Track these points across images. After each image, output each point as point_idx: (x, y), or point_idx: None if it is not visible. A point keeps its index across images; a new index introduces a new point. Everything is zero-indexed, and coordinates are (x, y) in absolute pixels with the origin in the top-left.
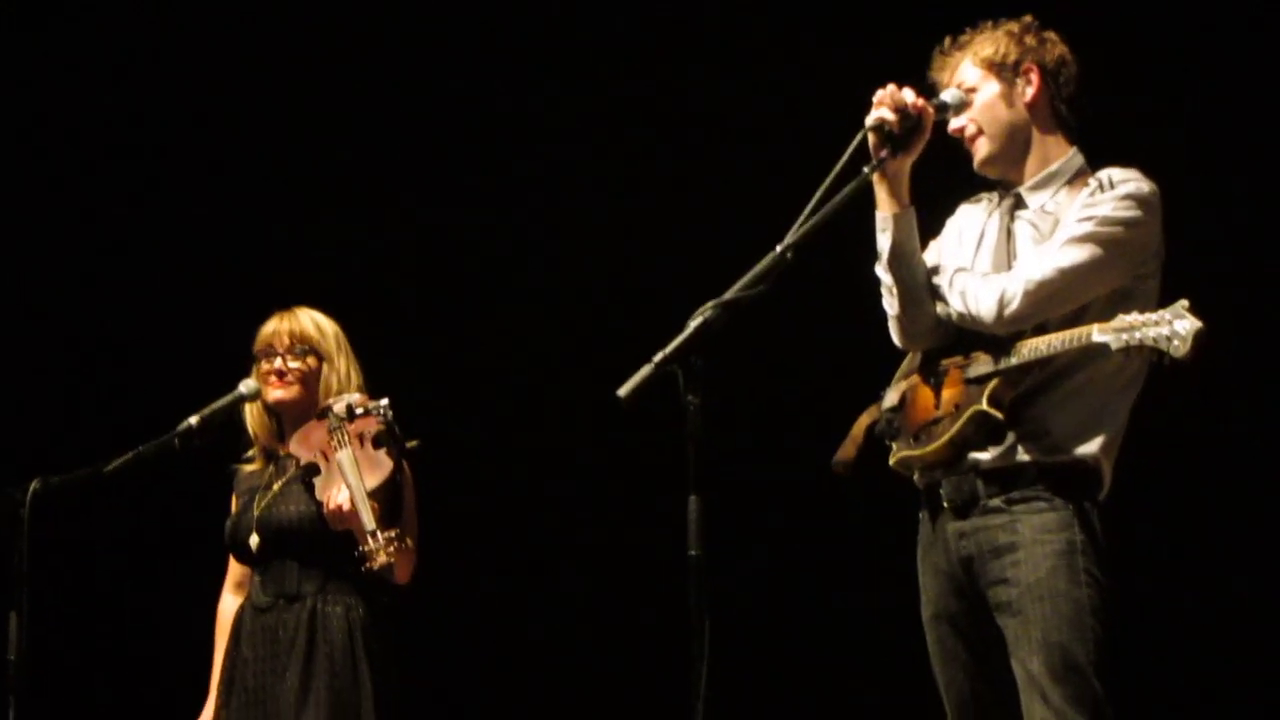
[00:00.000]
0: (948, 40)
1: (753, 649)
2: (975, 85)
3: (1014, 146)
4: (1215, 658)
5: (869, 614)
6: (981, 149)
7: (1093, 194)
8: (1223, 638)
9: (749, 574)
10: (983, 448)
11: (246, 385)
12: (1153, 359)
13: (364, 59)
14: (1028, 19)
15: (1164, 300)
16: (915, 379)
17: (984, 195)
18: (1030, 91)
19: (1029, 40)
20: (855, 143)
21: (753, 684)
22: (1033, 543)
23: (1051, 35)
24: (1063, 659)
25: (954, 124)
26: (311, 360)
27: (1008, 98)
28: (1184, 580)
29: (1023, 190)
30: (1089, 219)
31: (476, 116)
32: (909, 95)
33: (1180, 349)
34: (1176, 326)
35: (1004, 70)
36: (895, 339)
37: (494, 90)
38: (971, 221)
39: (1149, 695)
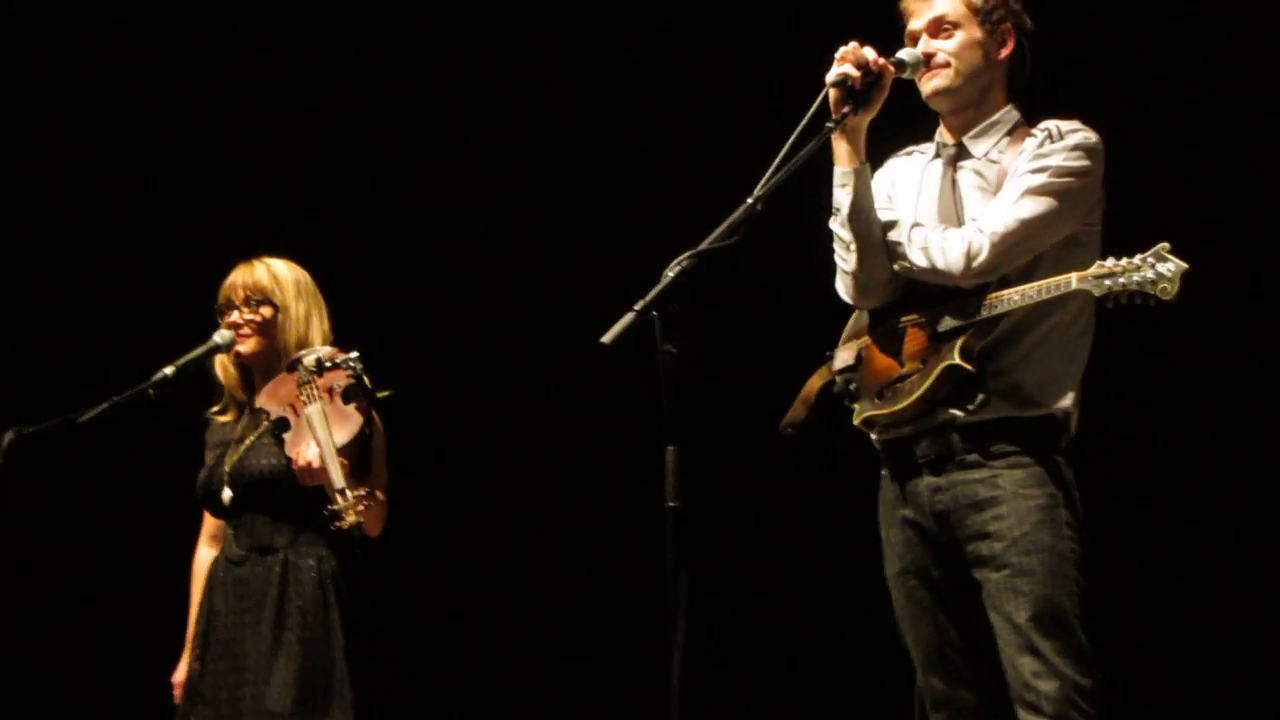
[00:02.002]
0: None
1: (730, 601)
2: (957, 21)
3: (973, 91)
4: (1187, 619)
5: (841, 567)
6: (943, 80)
7: (1041, 145)
8: (1196, 600)
9: (727, 525)
10: (955, 403)
11: (221, 335)
12: (1135, 303)
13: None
14: None
15: (1106, 247)
16: (868, 339)
17: (914, 149)
18: (1003, 51)
19: (1014, 3)
20: (819, 100)
21: (729, 635)
22: (1015, 496)
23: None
24: (1051, 612)
25: (925, 47)
26: (267, 310)
27: (985, 46)
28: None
29: (965, 140)
30: (1043, 170)
31: (454, 75)
32: (870, 53)
33: (1169, 291)
34: (1161, 269)
35: (988, 20)
36: (847, 296)
37: (470, 51)
38: (905, 174)
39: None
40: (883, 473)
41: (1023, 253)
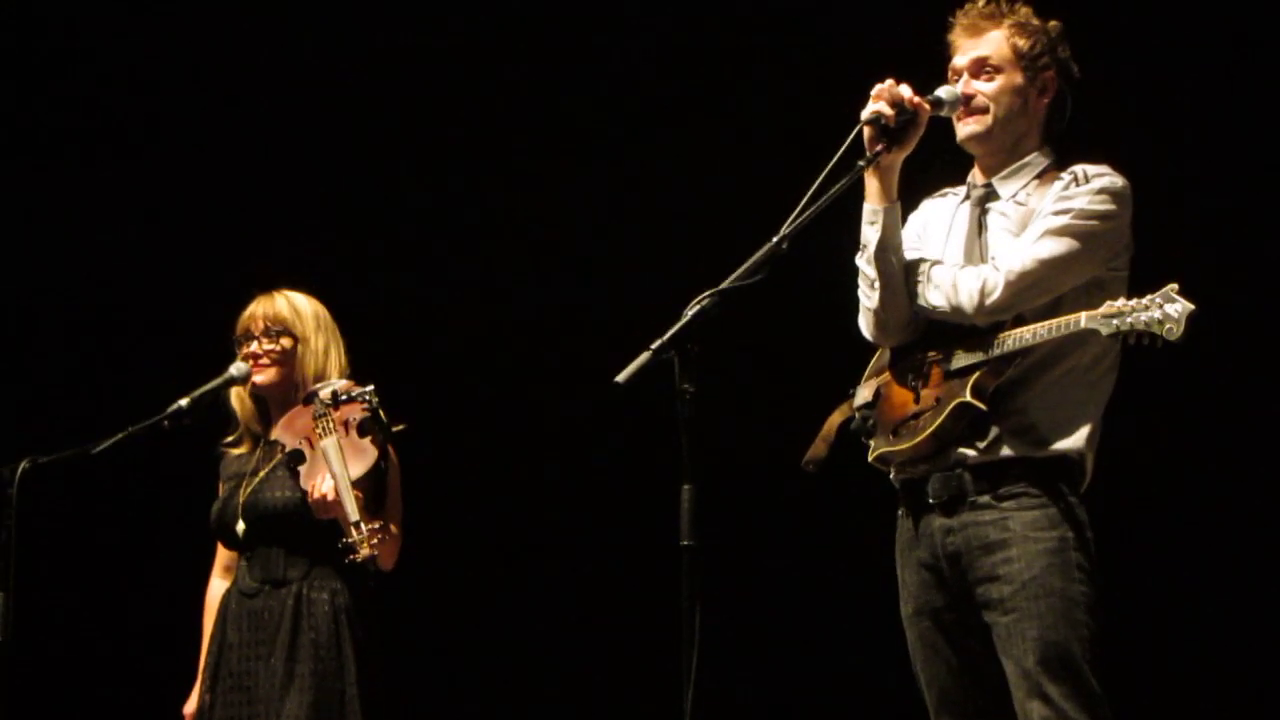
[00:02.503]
0: (983, 2)
1: (742, 638)
2: (1000, 65)
3: (1008, 136)
4: (1202, 653)
5: (855, 605)
6: (978, 126)
7: (1067, 187)
8: (1209, 634)
9: (740, 563)
10: (967, 442)
11: (237, 368)
12: (1144, 343)
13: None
14: (1059, 24)
15: (1133, 289)
16: (887, 375)
17: (948, 190)
18: (1044, 98)
19: (1061, 52)
20: (851, 136)
21: (741, 672)
22: (1024, 539)
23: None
24: (1060, 656)
25: (965, 87)
26: (286, 341)
27: (1025, 93)
28: (1169, 577)
29: (995, 181)
30: (1066, 212)
31: (470, 103)
32: (906, 90)
33: (1174, 331)
34: (1168, 309)
35: (1031, 67)
36: (868, 333)
37: (484, 76)
38: (938, 215)
39: (1139, 691)
40: (899, 511)
41: (1039, 293)
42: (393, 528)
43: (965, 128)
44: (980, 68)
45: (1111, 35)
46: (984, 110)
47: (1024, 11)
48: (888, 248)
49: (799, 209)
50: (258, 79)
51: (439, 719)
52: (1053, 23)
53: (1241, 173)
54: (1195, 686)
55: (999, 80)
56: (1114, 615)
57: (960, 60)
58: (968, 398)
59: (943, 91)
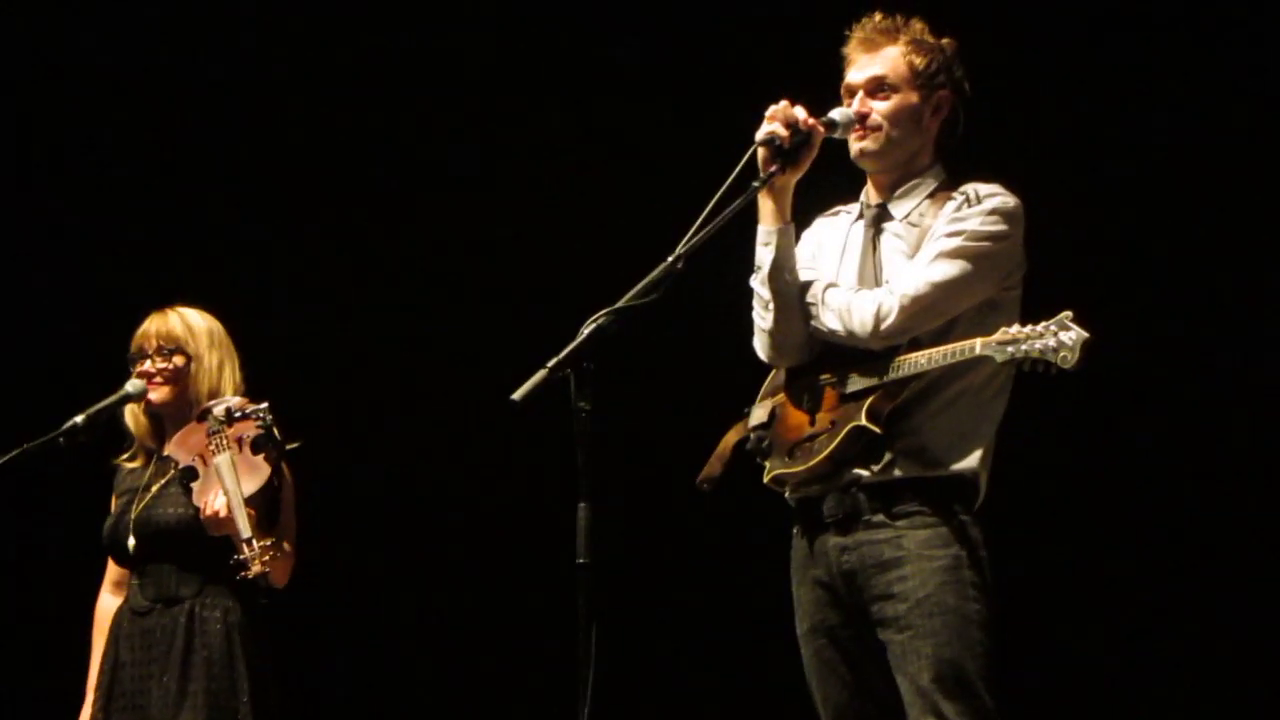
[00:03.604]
0: (879, 16)
1: (639, 658)
2: (896, 84)
3: (901, 154)
4: (1099, 669)
5: (751, 623)
6: (872, 144)
7: (960, 208)
8: (1105, 650)
9: (637, 581)
10: (862, 463)
11: (133, 385)
12: (1038, 370)
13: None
14: (953, 42)
15: (1025, 309)
16: (783, 396)
17: (840, 208)
18: (938, 117)
19: (955, 70)
20: (746, 157)
21: (637, 693)
22: (918, 558)
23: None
24: (954, 674)
25: (860, 106)
26: (179, 359)
27: (919, 112)
28: (1063, 595)
29: (888, 202)
30: (958, 233)
31: (375, 114)
32: (800, 112)
33: (1069, 359)
34: (1063, 338)
35: (926, 85)
36: (763, 354)
37: (394, 89)
38: (831, 235)
39: (1033, 708)
40: (794, 530)
41: (934, 316)
42: (285, 545)
43: (859, 144)
44: (876, 86)
45: (1003, 51)
46: (878, 128)
47: (919, 28)
48: (782, 269)
49: (694, 229)
50: (168, 96)
51: None
52: (946, 40)
53: (1133, 189)
54: (1090, 702)
55: (894, 99)
56: (1008, 633)
57: (856, 77)
58: (863, 421)
59: (836, 113)
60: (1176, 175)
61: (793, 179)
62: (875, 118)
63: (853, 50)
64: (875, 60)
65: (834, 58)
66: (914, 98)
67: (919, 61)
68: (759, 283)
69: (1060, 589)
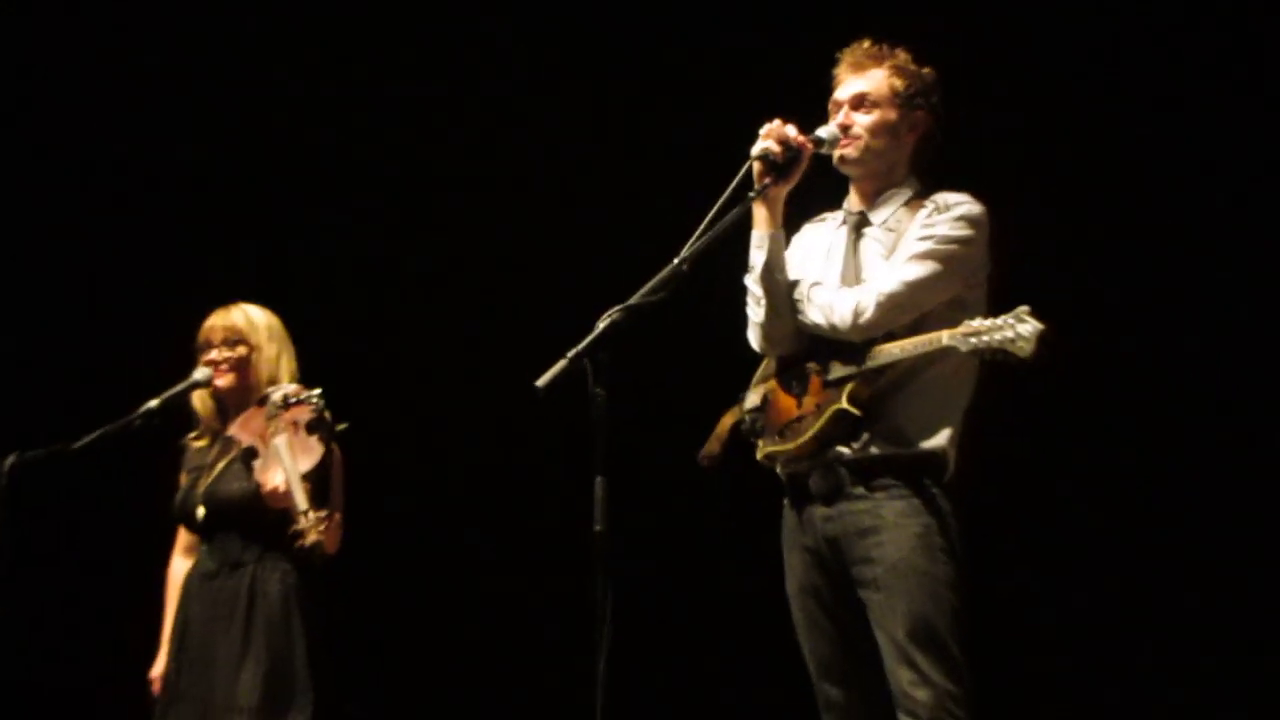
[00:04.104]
0: (869, 42)
1: (650, 615)
2: (878, 101)
3: (878, 163)
4: (1056, 626)
5: (749, 586)
6: (853, 152)
7: (930, 215)
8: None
9: (647, 549)
10: (844, 442)
11: (201, 372)
12: (999, 359)
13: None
14: (933, 72)
15: (991, 305)
16: (773, 383)
17: (826, 215)
18: (914, 134)
19: (934, 98)
20: (743, 171)
21: (649, 647)
22: (894, 526)
23: (940, 95)
24: (926, 629)
25: (843, 118)
26: (242, 349)
27: (897, 129)
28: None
29: (868, 210)
30: (929, 238)
31: (407, 114)
32: (791, 130)
33: (1025, 349)
34: (1020, 330)
35: (905, 105)
36: (756, 345)
37: (427, 88)
38: (817, 239)
39: (997, 658)
40: (784, 502)
41: (907, 312)
42: (336, 516)
43: (841, 151)
44: (860, 101)
45: (976, 80)
46: (859, 138)
47: (903, 56)
48: (773, 269)
49: (697, 234)
50: (228, 105)
51: (379, 686)
52: (927, 69)
53: (1090, 199)
54: (1051, 657)
55: (875, 114)
56: (975, 593)
57: (842, 93)
58: (844, 405)
59: (823, 131)
60: (1130, 186)
61: (784, 190)
62: (857, 129)
63: (842, 71)
64: (861, 79)
65: (821, 83)
66: (893, 115)
67: (900, 84)
68: (752, 281)
69: (1025, 555)
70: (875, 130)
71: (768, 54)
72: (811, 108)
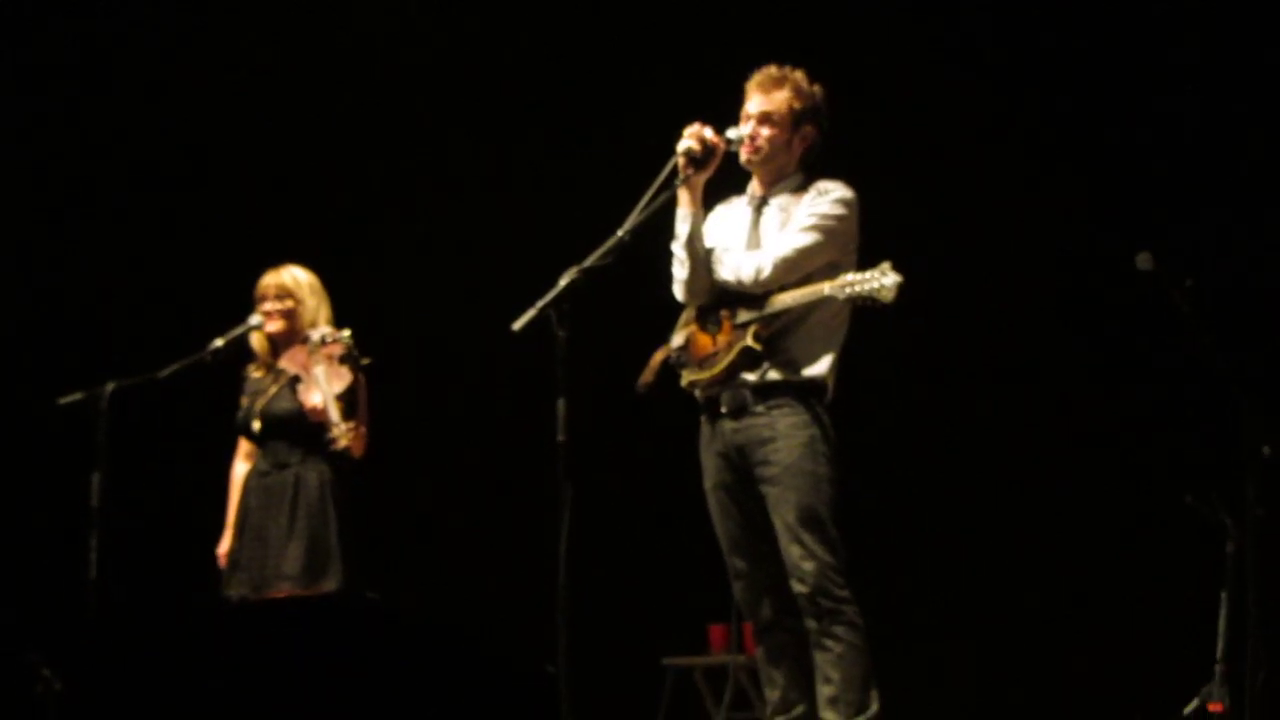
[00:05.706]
0: (774, 68)
1: (602, 506)
2: (779, 121)
3: (775, 163)
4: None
5: (681, 483)
6: (756, 157)
7: (814, 198)
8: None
9: (599, 456)
10: (748, 370)
11: (256, 319)
12: (868, 304)
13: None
14: (822, 89)
15: (859, 270)
16: (694, 326)
17: (733, 199)
18: (804, 143)
19: (822, 118)
20: (671, 163)
21: (604, 535)
22: (786, 436)
23: (827, 107)
24: (810, 515)
25: (749, 129)
26: (289, 302)
27: (790, 140)
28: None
29: (766, 195)
30: (813, 214)
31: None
32: (709, 132)
33: (888, 295)
34: (884, 281)
35: (798, 122)
36: (680, 296)
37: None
38: (728, 215)
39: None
40: (702, 418)
41: (796, 272)
42: (361, 428)
43: (747, 155)
44: (765, 119)
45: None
46: (762, 148)
47: (799, 76)
48: (694, 238)
49: (635, 211)
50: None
51: (397, 560)
52: (817, 87)
53: (934, 188)
54: (907, 535)
55: (775, 130)
56: (848, 488)
57: (752, 108)
58: (749, 342)
59: (732, 133)
60: (961, 178)
61: (703, 178)
62: (760, 140)
63: (753, 87)
64: (767, 100)
65: (736, 90)
66: (789, 129)
67: (798, 105)
68: (678, 247)
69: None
70: (774, 141)
71: (691, 68)
72: (725, 111)
